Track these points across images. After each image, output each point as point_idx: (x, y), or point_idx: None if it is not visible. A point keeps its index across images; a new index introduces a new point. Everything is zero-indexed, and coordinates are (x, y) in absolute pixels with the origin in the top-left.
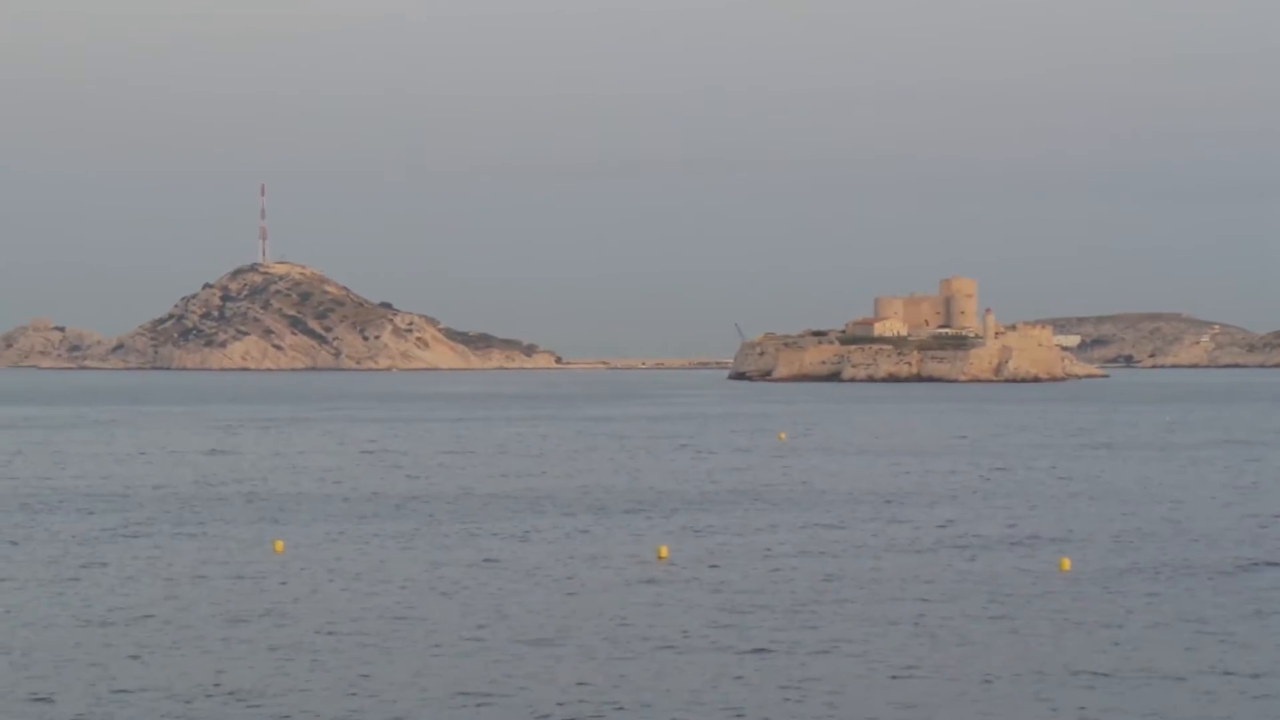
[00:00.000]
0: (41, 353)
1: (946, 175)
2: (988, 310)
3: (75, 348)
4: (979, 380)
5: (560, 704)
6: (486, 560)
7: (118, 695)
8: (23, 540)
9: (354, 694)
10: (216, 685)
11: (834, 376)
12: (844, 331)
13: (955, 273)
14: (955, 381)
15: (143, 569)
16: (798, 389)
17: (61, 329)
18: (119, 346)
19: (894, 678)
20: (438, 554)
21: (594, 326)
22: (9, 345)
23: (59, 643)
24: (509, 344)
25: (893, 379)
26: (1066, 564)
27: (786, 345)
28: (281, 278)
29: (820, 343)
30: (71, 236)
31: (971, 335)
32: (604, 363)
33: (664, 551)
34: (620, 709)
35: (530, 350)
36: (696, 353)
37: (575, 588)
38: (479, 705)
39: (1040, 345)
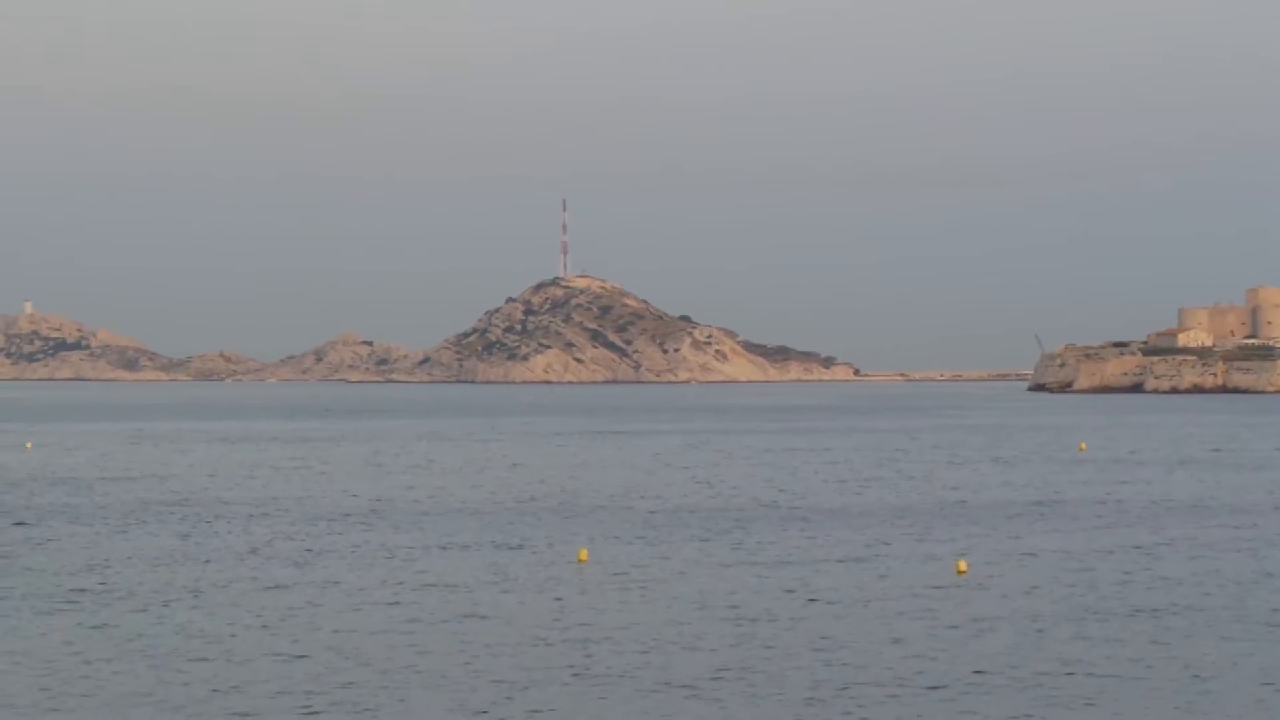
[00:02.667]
0: (350, 366)
1: (1250, 182)
2: None
3: (383, 361)
4: None
5: None
6: (781, 573)
7: (423, 696)
8: (354, 553)
9: (656, 695)
10: (509, 699)
11: (1136, 388)
12: (1146, 343)
13: (1262, 282)
14: (1262, 393)
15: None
16: (1099, 400)
17: (370, 343)
18: (425, 360)
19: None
20: (735, 566)
21: (893, 338)
22: (320, 359)
23: (386, 649)
24: (807, 356)
25: (1197, 390)
26: None
27: (1087, 356)
28: (582, 291)
29: (1122, 354)
30: (379, 252)
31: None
32: (902, 375)
33: (963, 566)
34: None
35: (828, 362)
36: (996, 364)
37: (869, 603)
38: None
39: None
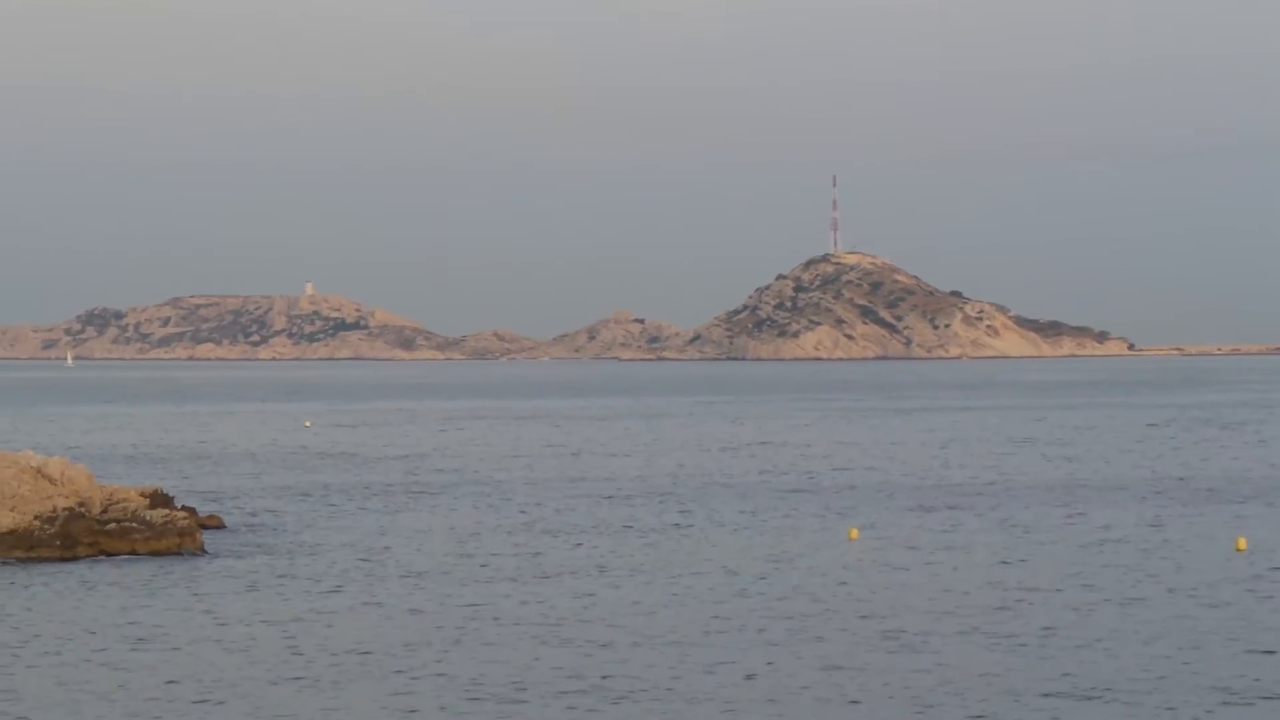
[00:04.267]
0: (622, 344)
1: None
2: None
3: (654, 339)
4: None
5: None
6: (1050, 551)
7: (688, 676)
8: (625, 532)
9: (940, 688)
10: (786, 677)
11: None
12: None
13: None
14: None
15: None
16: None
17: (641, 321)
18: (695, 337)
19: None
20: (1005, 544)
21: (1167, 312)
22: (592, 337)
23: (658, 633)
24: (1080, 331)
25: None
26: None
27: None
28: (853, 267)
29: None
30: (650, 231)
31: None
32: (1178, 349)
33: (1242, 543)
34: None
35: (1101, 337)
36: (1277, 338)
37: (1139, 581)
38: (1071, 698)
39: None
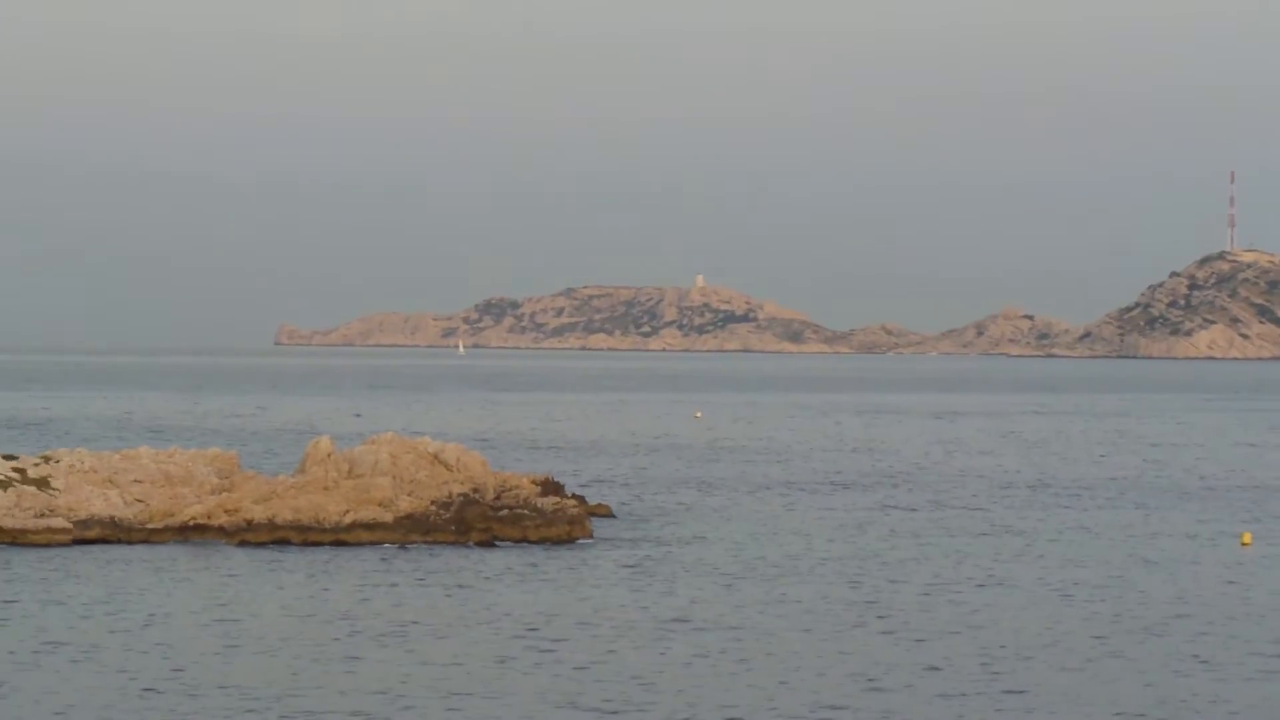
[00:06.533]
0: (1011, 340)
1: None
2: None
3: (1043, 336)
4: None
5: None
6: None
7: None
8: (1001, 531)
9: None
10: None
11: None
12: None
13: None
14: None
15: (1112, 558)
16: None
17: (1030, 317)
18: (1086, 335)
19: None
20: None
21: None
22: (980, 333)
23: (1020, 632)
24: None
25: None
26: None
27: None
28: (1250, 265)
29: None
30: (1041, 228)
31: None
32: None
33: None
34: None
35: None
36: None
37: None
38: None
39: None
